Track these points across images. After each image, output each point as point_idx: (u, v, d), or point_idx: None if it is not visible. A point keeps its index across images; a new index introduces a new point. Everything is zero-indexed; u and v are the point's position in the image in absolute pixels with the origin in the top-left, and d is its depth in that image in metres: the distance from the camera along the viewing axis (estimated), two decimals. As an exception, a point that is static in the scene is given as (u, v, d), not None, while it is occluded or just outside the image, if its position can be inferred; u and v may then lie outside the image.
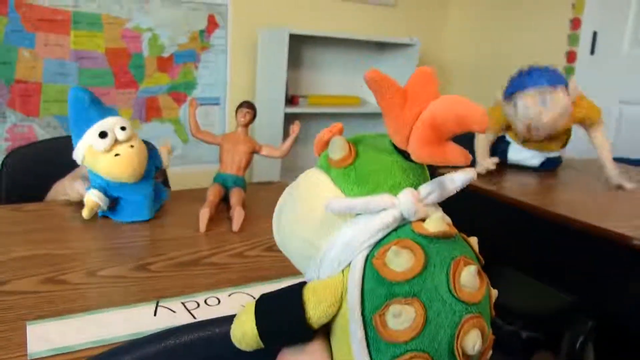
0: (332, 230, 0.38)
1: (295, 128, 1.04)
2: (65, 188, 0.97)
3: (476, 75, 3.03)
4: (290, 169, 2.66)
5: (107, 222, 0.90)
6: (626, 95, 2.34)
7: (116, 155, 0.86)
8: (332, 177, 0.40)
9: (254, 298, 0.68)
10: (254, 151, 1.05)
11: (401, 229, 0.36)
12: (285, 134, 2.35)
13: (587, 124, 1.41)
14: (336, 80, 2.83)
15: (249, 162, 1.05)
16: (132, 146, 0.88)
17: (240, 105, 1.04)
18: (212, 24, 2.43)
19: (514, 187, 1.33)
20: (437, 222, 0.35)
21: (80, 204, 0.96)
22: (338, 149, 0.39)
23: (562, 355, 1.34)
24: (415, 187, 0.38)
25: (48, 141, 1.40)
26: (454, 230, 0.37)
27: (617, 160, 1.70)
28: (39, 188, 1.06)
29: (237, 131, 1.04)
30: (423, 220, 0.36)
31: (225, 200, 1.00)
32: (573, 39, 2.55)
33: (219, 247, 0.82)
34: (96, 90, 2.22)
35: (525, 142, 1.49)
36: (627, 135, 2.31)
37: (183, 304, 0.64)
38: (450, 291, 0.33)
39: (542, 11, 2.66)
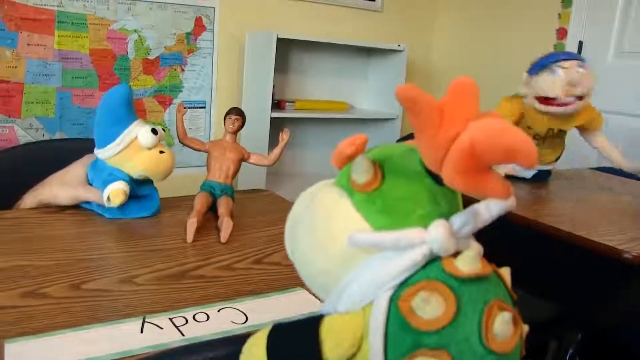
0: (353, 263, 0.35)
1: (284, 136, 1.03)
2: (56, 195, 0.94)
3: (463, 83, 3.04)
4: (277, 175, 2.64)
5: (91, 231, 0.87)
6: (610, 106, 2.35)
7: (161, 152, 0.94)
8: (354, 201, 0.36)
9: (244, 314, 0.66)
10: (242, 159, 1.03)
11: (430, 266, 0.33)
12: (272, 139, 2.33)
13: (593, 126, 1.42)
14: (323, 85, 2.81)
15: (237, 170, 1.03)
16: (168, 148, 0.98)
17: (229, 112, 1.02)
18: (199, 26, 2.41)
19: (502, 198, 1.32)
20: (471, 262, 0.32)
21: (65, 211, 0.94)
22: (363, 172, 0.35)
23: (547, 364, 1.34)
24: (447, 216, 0.34)
25: (27, 145, 1.37)
26: (489, 270, 0.34)
27: (603, 170, 1.71)
28: (19, 194, 1.02)
29: (226, 138, 1.02)
30: (455, 254, 0.33)
31: (212, 209, 0.98)
32: (559, 49, 2.57)
33: (207, 259, 0.80)
34: (80, 92, 2.19)
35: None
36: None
37: (171, 319, 0.62)
38: (481, 342, 0.31)
39: (529, 20, 2.68)
